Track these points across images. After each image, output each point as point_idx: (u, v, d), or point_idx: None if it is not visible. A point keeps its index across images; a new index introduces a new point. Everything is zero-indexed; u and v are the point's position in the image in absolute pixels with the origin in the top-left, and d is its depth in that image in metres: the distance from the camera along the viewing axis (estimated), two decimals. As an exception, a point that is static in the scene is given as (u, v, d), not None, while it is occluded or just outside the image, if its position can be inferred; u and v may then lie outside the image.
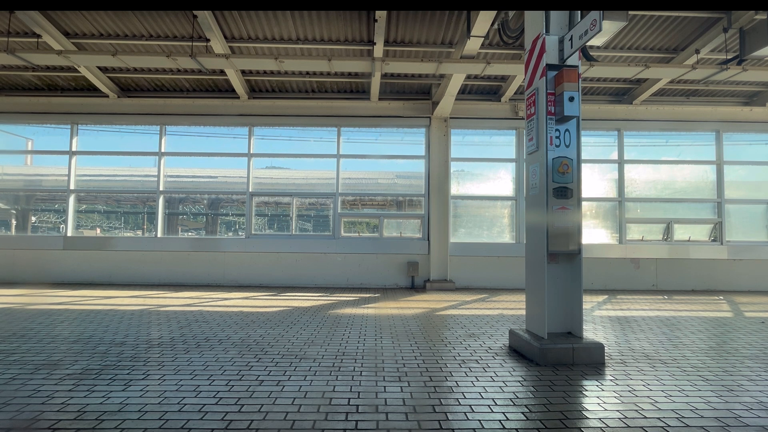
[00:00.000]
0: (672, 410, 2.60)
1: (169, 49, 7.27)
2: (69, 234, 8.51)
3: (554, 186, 3.74)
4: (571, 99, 3.66)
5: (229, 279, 8.36)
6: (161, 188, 8.60)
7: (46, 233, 8.76)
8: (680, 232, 8.67)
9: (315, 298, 6.90)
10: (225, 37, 7.04)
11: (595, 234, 8.64)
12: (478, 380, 3.08)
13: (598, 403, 2.69)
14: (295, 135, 8.78)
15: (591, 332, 4.64)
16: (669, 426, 2.38)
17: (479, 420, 2.43)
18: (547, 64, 3.80)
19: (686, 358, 3.72)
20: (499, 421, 2.42)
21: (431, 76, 8.09)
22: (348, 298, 6.87)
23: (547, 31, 3.87)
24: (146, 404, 2.59)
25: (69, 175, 8.60)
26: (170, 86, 8.59)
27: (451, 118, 8.54)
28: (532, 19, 4.06)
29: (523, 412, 2.54)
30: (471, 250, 8.45)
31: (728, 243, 8.60)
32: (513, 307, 6.25)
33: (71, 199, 8.60)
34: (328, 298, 6.84)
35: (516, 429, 2.33)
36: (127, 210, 9.07)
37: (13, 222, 8.77)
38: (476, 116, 8.61)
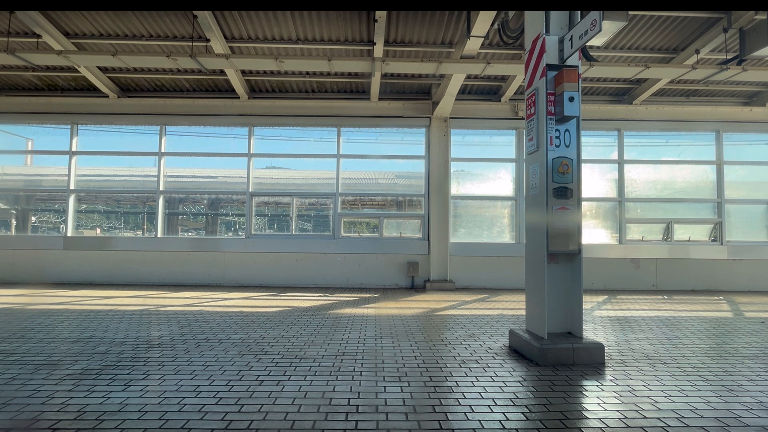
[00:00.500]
0: (672, 410, 2.60)
1: (169, 49, 7.27)
2: (69, 234, 8.51)
3: (554, 186, 3.74)
4: (571, 99, 3.66)
5: (229, 279, 8.36)
6: (161, 188, 8.60)
7: (46, 233, 8.76)
8: (680, 232, 8.67)
9: (315, 298, 6.90)
10: (225, 37, 7.04)
11: (595, 234, 8.64)
12: (478, 380, 3.08)
13: (598, 403, 2.69)
14: (295, 135, 8.78)
15: (591, 332, 4.64)
16: (669, 426, 2.38)
17: (479, 420, 2.43)
18: (547, 64, 3.80)
19: (686, 358, 3.72)
20: (499, 421, 2.42)
21: (431, 76, 8.09)
22: (348, 298, 6.87)
23: (547, 31, 3.87)
24: (146, 404, 2.59)
25: (69, 175, 8.60)
26: (170, 86, 8.59)
27: (451, 118, 8.54)
28: (532, 19, 4.06)
29: (523, 412, 2.54)
30: (471, 250, 8.46)
31: (728, 243, 8.60)
32: (513, 307, 6.25)
33: (71, 199, 8.60)
34: (328, 298, 6.84)
35: (516, 429, 2.33)
36: (127, 210, 9.07)
37: (13, 222, 8.77)
38: (476, 116, 8.61)
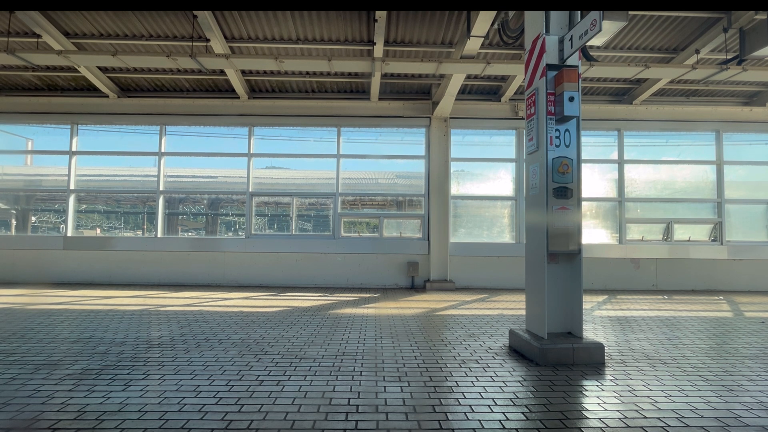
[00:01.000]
0: (672, 410, 2.60)
1: (169, 49, 7.27)
2: (69, 234, 8.51)
3: (554, 186, 3.74)
4: (571, 99, 3.66)
5: (229, 279, 8.36)
6: (161, 188, 8.60)
7: (46, 233, 8.76)
8: (680, 232, 8.67)
9: (315, 298, 6.90)
10: (225, 37, 7.04)
11: (595, 234, 8.64)
12: (478, 380, 3.08)
13: (598, 403, 2.69)
14: (295, 135, 8.78)
15: (591, 332, 4.64)
16: (669, 426, 2.38)
17: (479, 420, 2.43)
18: (547, 64, 3.80)
19: (686, 358, 3.72)
20: (499, 421, 2.42)
21: (431, 76, 8.09)
22: (348, 298, 6.87)
23: (547, 31, 3.87)
24: (146, 404, 2.59)
25: (69, 175, 8.60)
26: (170, 86, 8.59)
27: (451, 118, 8.54)
28: (532, 19, 4.06)
29: (523, 412, 2.54)
30: (471, 250, 8.45)
31: (728, 243, 8.60)
32: (513, 307, 6.25)
33: (71, 199, 8.60)
34: (328, 298, 6.84)
35: (516, 429, 2.33)
36: (127, 210, 9.07)
37: (13, 222, 8.77)
38: (476, 116, 8.61)
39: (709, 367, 3.45)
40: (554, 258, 3.79)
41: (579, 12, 3.85)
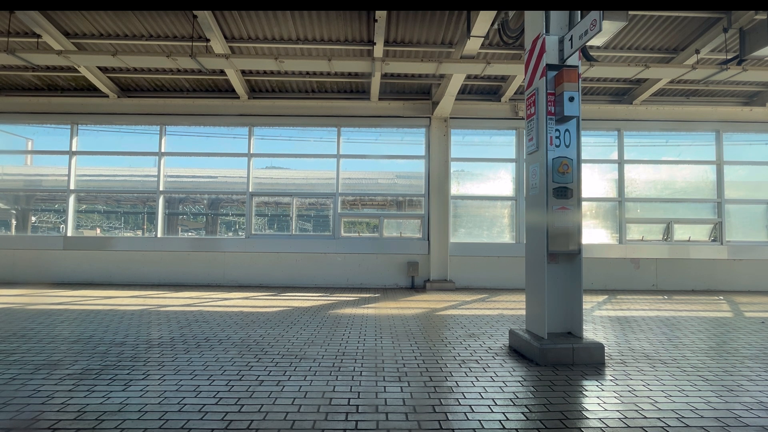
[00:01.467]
0: (672, 410, 2.60)
1: (169, 49, 7.27)
2: (69, 234, 8.51)
3: (554, 186, 3.74)
4: (571, 99, 3.66)
5: (229, 279, 8.36)
6: (161, 188, 8.60)
7: (46, 233, 8.76)
8: (680, 232, 8.67)
9: (315, 298, 6.90)
10: (225, 37, 7.04)
11: (595, 234, 8.64)
12: (478, 380, 3.08)
13: (598, 403, 2.69)
14: (295, 135, 8.78)
15: (591, 332, 4.64)
16: (669, 426, 2.38)
17: (479, 420, 2.43)
18: (547, 64, 3.80)
19: (686, 358, 3.72)
20: (499, 421, 2.42)
21: (431, 76, 8.09)
22: (348, 298, 6.87)
23: (547, 31, 3.87)
24: (146, 404, 2.59)
25: (69, 175, 8.60)
26: (170, 86, 8.59)
27: (451, 118, 8.54)
28: (532, 19, 4.06)
29: (523, 412, 2.54)
30: (471, 250, 8.45)
31: (728, 243, 8.60)
32: (513, 307, 6.25)
33: (71, 199, 8.60)
34: (328, 298, 6.84)
35: (516, 429, 2.33)
36: (127, 210, 9.07)
37: (13, 222, 8.77)
38: (476, 116, 8.60)
39: (709, 367, 3.45)
40: (554, 258, 3.79)
41: (579, 12, 3.85)
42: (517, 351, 3.84)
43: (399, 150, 8.80)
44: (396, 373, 3.23)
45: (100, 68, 7.83)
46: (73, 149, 8.66)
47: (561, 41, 3.83)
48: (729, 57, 7.08)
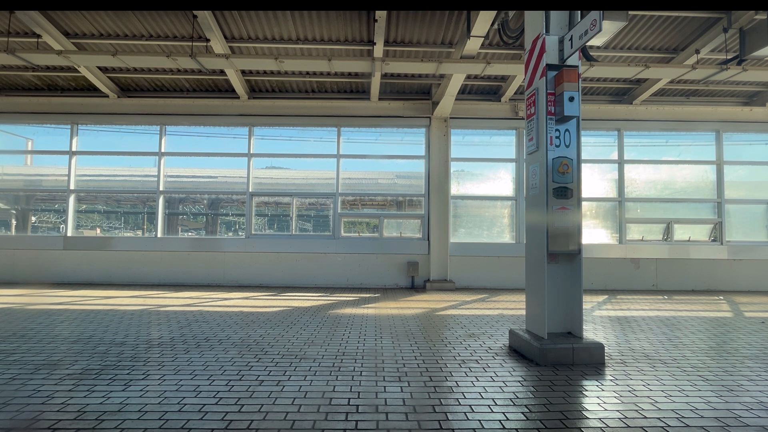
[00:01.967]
0: (672, 410, 2.60)
1: (169, 49, 7.27)
2: (69, 234, 8.51)
3: (554, 186, 3.74)
4: (571, 99, 3.66)
5: (229, 279, 8.36)
6: (161, 188, 8.60)
7: (46, 233, 8.76)
8: (680, 232, 8.67)
9: (315, 298, 6.90)
10: (225, 37, 7.04)
11: (595, 234, 8.64)
12: (478, 380, 3.08)
13: (598, 403, 2.69)
14: (295, 135, 8.78)
15: (591, 332, 4.64)
16: (669, 426, 2.38)
17: (479, 420, 2.43)
18: (547, 64, 3.80)
19: (686, 358, 3.72)
20: (499, 421, 2.42)
21: (431, 76, 8.09)
22: (348, 298, 6.87)
23: (547, 31, 3.87)
24: (146, 404, 2.59)
25: (69, 175, 8.60)
26: (170, 86, 8.59)
27: (451, 118, 8.54)
28: (532, 19, 4.06)
29: (523, 412, 2.54)
30: (471, 250, 8.45)
31: (728, 243, 8.60)
32: (513, 307, 6.25)
33: (71, 199, 8.60)
34: (328, 298, 6.84)
35: (516, 429, 2.33)
36: (127, 210, 9.07)
37: (13, 222, 8.77)
38: (476, 116, 8.61)
39: (709, 367, 3.45)
40: (554, 258, 3.79)
41: (579, 12, 3.85)
42: (517, 351, 3.84)
43: (399, 150, 8.80)
44: (396, 373, 3.23)
45: (100, 68, 7.83)
46: (73, 149, 8.66)
47: (561, 41, 3.83)
48: (729, 57, 7.08)
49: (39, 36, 6.84)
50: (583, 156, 7.89)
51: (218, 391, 2.81)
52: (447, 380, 3.08)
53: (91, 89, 8.60)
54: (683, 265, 8.47)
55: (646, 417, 2.50)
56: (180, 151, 8.73)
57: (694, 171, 8.85)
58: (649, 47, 7.32)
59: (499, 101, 8.51)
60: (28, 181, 8.86)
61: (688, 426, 2.38)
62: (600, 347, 3.54)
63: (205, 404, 2.60)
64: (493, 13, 5.68)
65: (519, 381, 3.08)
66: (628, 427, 2.37)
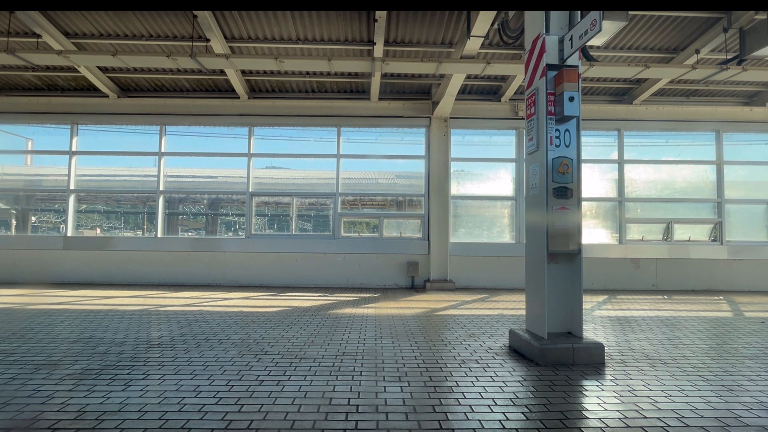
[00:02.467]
0: (672, 410, 2.60)
1: (169, 49, 7.27)
2: (69, 234, 8.51)
3: (554, 186, 3.74)
4: (571, 99, 3.66)
5: (229, 279, 8.36)
6: (161, 188, 8.60)
7: (46, 233, 8.76)
8: (680, 232, 8.67)
9: (315, 298, 6.90)
10: (225, 37, 7.04)
11: (595, 234, 8.64)
12: (478, 380, 3.08)
13: (598, 403, 2.69)
14: (295, 135, 8.78)
15: (591, 332, 4.64)
16: (669, 426, 2.38)
17: (479, 420, 2.42)
18: (547, 64, 3.80)
19: (686, 358, 3.72)
20: (499, 421, 2.42)
21: (431, 76, 8.09)
22: (348, 298, 6.87)
23: (547, 31, 3.87)
24: (146, 404, 2.59)
25: (69, 175, 8.60)
26: (170, 86, 8.59)
27: (451, 118, 8.54)
28: (532, 19, 4.06)
29: (523, 412, 2.54)
30: (471, 250, 8.45)
31: (728, 243, 8.60)
32: (513, 307, 6.25)
33: (71, 199, 8.60)
34: (328, 298, 6.84)
35: (516, 429, 2.33)
36: (127, 210, 9.07)
37: (13, 222, 8.77)
38: (476, 116, 8.61)
39: (709, 367, 3.45)
40: (554, 258, 3.79)
41: (579, 12, 3.85)
42: (517, 351, 3.84)
43: (399, 150, 8.80)
44: (396, 373, 3.23)
45: (100, 68, 7.83)
46: (73, 149, 8.66)
47: (561, 41, 3.83)
48: (729, 57, 7.08)
49: (39, 36, 6.84)
50: (583, 156, 7.89)
51: (218, 391, 2.81)
52: (447, 380, 3.08)
53: (91, 89, 8.60)
54: (683, 265, 8.47)
55: (646, 417, 2.50)
56: (180, 151, 8.73)
57: (694, 171, 8.85)
58: (649, 47, 7.32)
59: (499, 101, 8.51)
60: (28, 181, 8.86)
61: (688, 426, 2.38)
62: (600, 347, 3.54)
63: (205, 404, 2.60)
64: (493, 13, 5.68)
65: (519, 381, 3.08)
66: (628, 427, 2.37)
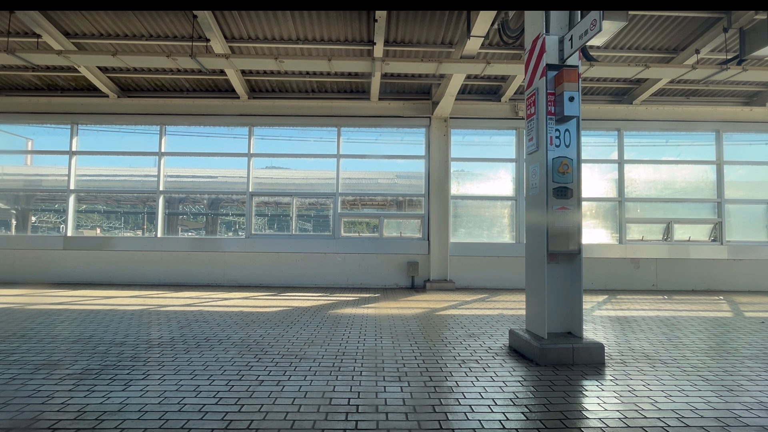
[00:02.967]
0: (672, 410, 2.60)
1: (169, 49, 7.27)
2: (69, 234, 8.51)
3: (554, 186, 3.74)
4: (571, 99, 3.66)
5: (229, 279, 8.36)
6: (161, 188, 8.60)
7: (46, 233, 8.76)
8: (680, 232, 8.67)
9: (315, 298, 6.90)
10: (225, 37, 7.04)
11: (595, 234, 8.64)
12: (478, 380, 3.08)
13: (598, 403, 2.69)
14: (295, 135, 8.78)
15: (591, 332, 4.64)
16: (669, 426, 2.38)
17: (479, 420, 2.43)
18: (547, 64, 3.80)
19: (686, 358, 3.72)
20: (499, 421, 2.42)
21: (431, 76, 8.09)
22: (348, 298, 6.87)
23: (547, 31, 3.87)
24: (146, 404, 2.59)
25: (69, 175, 8.60)
26: (170, 86, 8.59)
27: (451, 118, 8.54)
28: (532, 19, 4.06)
29: (523, 412, 2.54)
30: (471, 250, 8.45)
31: (728, 243, 8.60)
32: (513, 307, 6.25)
33: (71, 199, 8.60)
34: (328, 298, 6.84)
35: (516, 429, 2.33)
36: (127, 210, 9.07)
37: (13, 222, 8.77)
38: (476, 116, 8.60)
39: (709, 367, 3.45)
40: (554, 258, 3.79)
41: (579, 12, 3.85)
42: (517, 351, 3.84)
43: (399, 150, 8.80)
44: (396, 373, 3.23)
45: (100, 68, 7.83)
46: (73, 149, 8.66)
47: (561, 41, 3.83)
48: (729, 57, 7.08)
49: (39, 36, 6.84)
50: (583, 156, 7.89)
51: (218, 391, 2.81)
52: (447, 380, 3.08)
53: (91, 89, 8.60)
54: (683, 265, 8.47)
55: (646, 417, 2.50)
56: (180, 151, 8.73)
57: (694, 171, 8.85)
58: (649, 47, 7.32)
59: (499, 101, 8.51)
60: (28, 181, 8.86)
61: (688, 426, 2.38)
62: (600, 347, 3.54)
63: (205, 404, 2.60)
64: (493, 13, 5.68)
65: (519, 381, 3.08)
66: (628, 427, 2.37)
